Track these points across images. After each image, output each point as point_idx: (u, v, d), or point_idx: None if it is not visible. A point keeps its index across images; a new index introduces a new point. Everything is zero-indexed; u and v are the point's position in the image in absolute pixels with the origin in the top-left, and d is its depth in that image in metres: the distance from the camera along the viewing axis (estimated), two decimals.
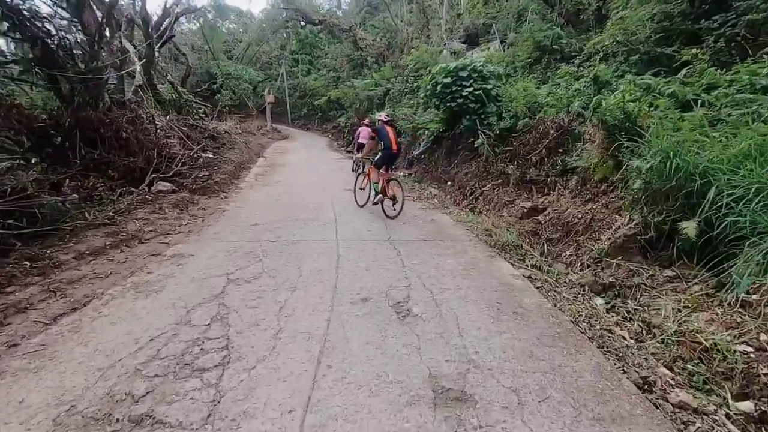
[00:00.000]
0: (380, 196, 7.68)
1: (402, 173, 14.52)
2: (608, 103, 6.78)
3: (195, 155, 11.22)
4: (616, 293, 4.61)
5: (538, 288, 4.58)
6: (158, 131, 10.51)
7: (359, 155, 11.06)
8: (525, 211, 7.83)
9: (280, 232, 6.44)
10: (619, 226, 5.44)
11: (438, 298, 4.18)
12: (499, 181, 9.31)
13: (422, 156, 14.18)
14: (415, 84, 20.00)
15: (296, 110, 38.37)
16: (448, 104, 11.33)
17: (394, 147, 7.51)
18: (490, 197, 9.14)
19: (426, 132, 14.15)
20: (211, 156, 12.45)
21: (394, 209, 7.58)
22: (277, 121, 37.12)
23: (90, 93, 8.31)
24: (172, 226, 6.56)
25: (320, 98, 27.38)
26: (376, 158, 7.87)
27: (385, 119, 7.83)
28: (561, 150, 8.36)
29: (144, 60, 13.90)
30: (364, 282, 4.55)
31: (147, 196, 7.70)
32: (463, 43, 22.07)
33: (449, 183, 11.48)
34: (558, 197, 7.59)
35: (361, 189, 8.49)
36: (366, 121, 14.21)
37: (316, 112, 36.60)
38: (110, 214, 6.50)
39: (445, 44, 22.65)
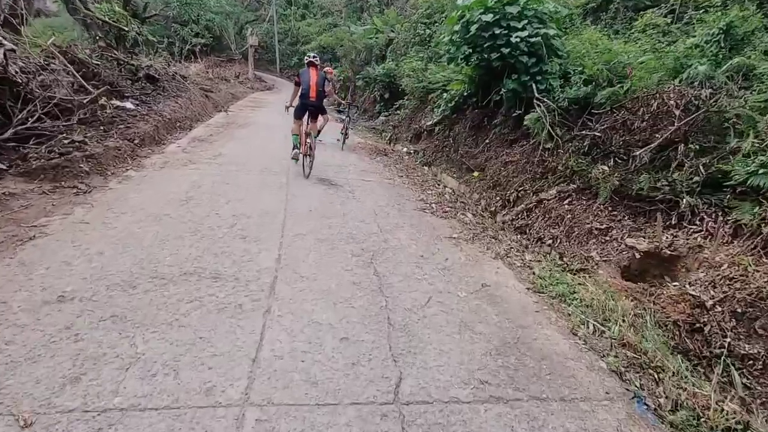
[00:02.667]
0: (296, 150, 6.51)
1: (405, 148, 10.48)
2: None
3: (91, 107, 7.04)
4: None
5: None
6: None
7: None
8: (637, 258, 4.04)
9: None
10: None
11: None
12: (572, 186, 5.41)
13: (434, 128, 10.07)
14: (427, 32, 15.47)
15: (286, 58, 33.12)
16: (485, 56, 7.18)
17: (312, 94, 6.29)
18: (558, 213, 5.28)
19: (444, 96, 9.96)
20: (130, 107, 8.24)
21: (310, 167, 6.52)
22: (264, 69, 32.06)
23: None
24: None
25: (309, 44, 22.41)
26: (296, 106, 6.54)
27: (310, 59, 6.55)
28: (699, 146, 4.45)
29: None
30: None
31: None
32: None
33: (476, 173, 7.53)
34: (711, 237, 3.79)
35: None
36: (329, 71, 10.34)
37: None
38: None
39: None
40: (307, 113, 6.37)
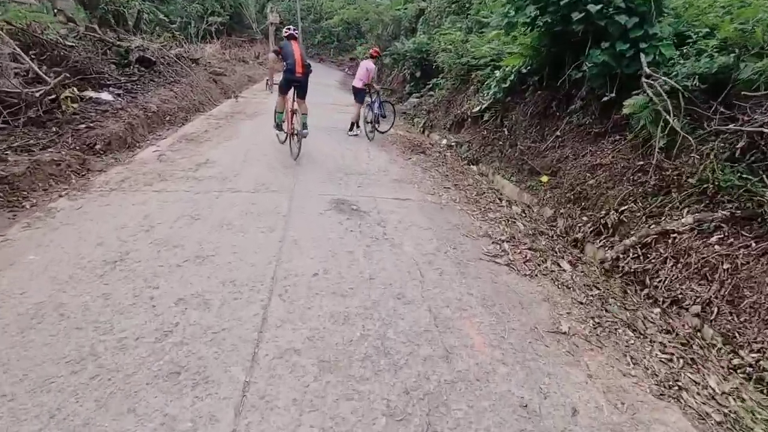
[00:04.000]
0: (282, 132, 5.97)
1: (443, 139, 8.32)
2: None
3: (49, 101, 5.27)
4: None
5: None
6: None
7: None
8: None
9: None
10: None
11: None
12: (721, 213, 3.23)
13: (482, 115, 7.84)
14: None
15: (310, 37, 30.79)
16: (558, 17, 4.96)
17: (299, 69, 5.57)
18: (702, 258, 3.11)
19: (495, 74, 7.67)
20: (107, 99, 6.45)
21: (298, 149, 5.64)
22: None
23: None
24: None
25: (332, 19, 20.02)
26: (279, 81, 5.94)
27: (290, 32, 5.92)
28: None
29: None
30: None
31: None
32: None
33: (544, 177, 5.36)
34: None
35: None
36: (374, 51, 8.35)
37: (332, 40, 29.17)
38: None
39: None
40: (293, 89, 5.76)
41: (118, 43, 8.47)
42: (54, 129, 5.09)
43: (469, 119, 8.67)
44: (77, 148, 4.82)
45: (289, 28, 5.96)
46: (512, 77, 7.29)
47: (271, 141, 6.36)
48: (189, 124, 7.27)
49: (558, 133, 5.90)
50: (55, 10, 9.29)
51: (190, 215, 3.60)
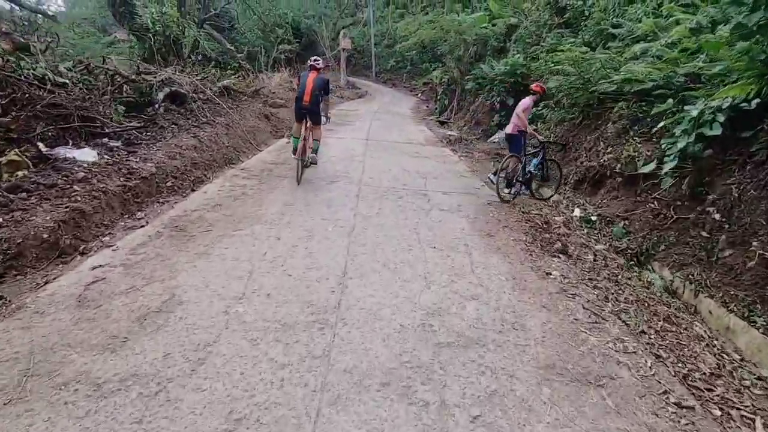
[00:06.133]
0: (295, 156, 5.46)
1: (574, 207, 5.14)
2: None
3: None
4: None
5: None
6: None
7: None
8: None
9: None
10: None
11: None
12: None
13: (658, 178, 4.52)
14: (587, 4, 9.62)
15: (383, 62, 28.89)
16: None
17: (306, 98, 5.34)
18: None
19: (683, 114, 4.34)
20: (86, 159, 4.25)
21: (301, 173, 5.44)
22: (359, 74, 28.22)
23: None
24: None
25: (407, 41, 17.55)
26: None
27: (311, 63, 5.65)
28: None
29: None
30: None
31: None
32: None
33: None
34: None
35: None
36: (537, 86, 6.19)
37: (405, 65, 26.88)
38: None
39: None
40: (305, 116, 5.44)
41: (143, 77, 6.50)
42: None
43: (618, 177, 5.37)
44: None
45: (314, 59, 5.73)
46: (722, 117, 4.00)
47: (319, 227, 3.69)
48: (201, 189, 4.86)
49: None
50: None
51: None
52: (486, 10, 15.93)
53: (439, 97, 16.86)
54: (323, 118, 5.74)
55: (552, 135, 7.61)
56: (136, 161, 4.65)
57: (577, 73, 7.06)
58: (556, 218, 4.86)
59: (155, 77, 6.50)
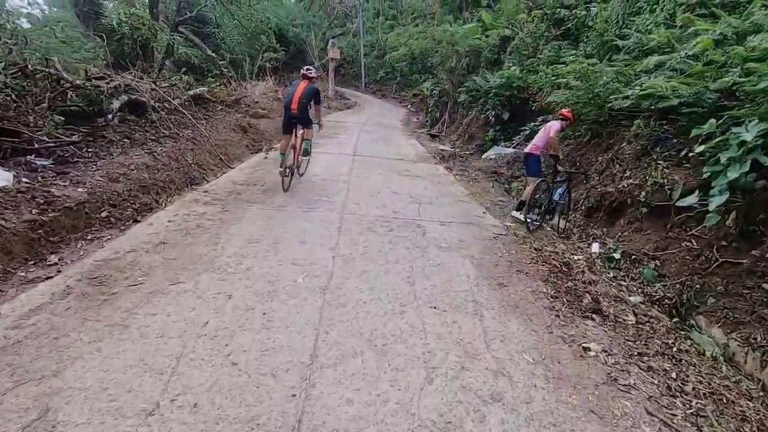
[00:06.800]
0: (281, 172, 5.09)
1: (592, 242, 4.31)
2: None
3: None
4: None
5: None
6: None
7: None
8: None
9: None
10: None
11: None
12: None
13: (710, 214, 3.70)
14: (590, 15, 9.02)
15: (372, 73, 28.29)
16: None
17: (294, 106, 5.08)
18: None
19: (739, 134, 3.55)
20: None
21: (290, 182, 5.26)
22: (348, 84, 27.50)
23: None
24: None
25: (397, 51, 16.86)
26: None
27: (304, 72, 5.44)
28: None
29: None
30: None
31: None
32: None
33: None
34: None
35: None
36: (568, 112, 5.64)
37: (395, 76, 26.27)
38: None
39: None
40: (294, 127, 5.26)
41: (93, 82, 5.54)
42: None
43: (642, 207, 4.60)
44: None
45: (306, 68, 5.53)
46: None
47: (289, 284, 2.80)
48: (147, 220, 3.92)
49: None
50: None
51: None
52: (479, 21, 15.37)
53: (430, 110, 16.15)
54: (315, 125, 5.57)
55: (563, 156, 6.88)
56: (64, 185, 3.70)
57: (584, 86, 6.37)
58: (575, 257, 4.05)
59: (108, 83, 5.54)
